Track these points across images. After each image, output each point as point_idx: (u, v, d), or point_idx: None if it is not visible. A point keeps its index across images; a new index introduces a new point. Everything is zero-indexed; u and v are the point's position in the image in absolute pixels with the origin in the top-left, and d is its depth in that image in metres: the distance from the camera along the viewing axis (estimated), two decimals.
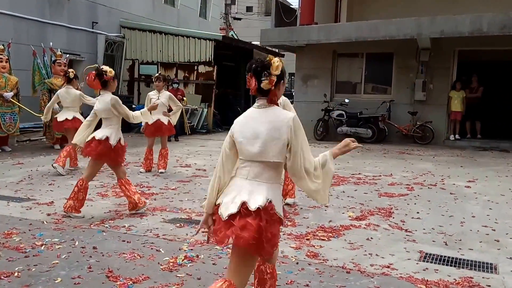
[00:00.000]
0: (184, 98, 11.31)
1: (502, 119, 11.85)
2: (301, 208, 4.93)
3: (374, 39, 10.51)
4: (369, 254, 3.57)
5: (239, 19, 28.54)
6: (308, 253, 3.54)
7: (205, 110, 13.29)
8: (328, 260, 3.41)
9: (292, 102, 7.96)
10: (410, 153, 9.51)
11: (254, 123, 2.20)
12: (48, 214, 4.50)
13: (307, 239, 3.88)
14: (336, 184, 6.28)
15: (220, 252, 3.52)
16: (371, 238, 3.96)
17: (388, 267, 3.31)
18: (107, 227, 4.12)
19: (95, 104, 4.67)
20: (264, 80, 2.15)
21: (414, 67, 11.15)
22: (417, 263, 3.40)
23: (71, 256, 3.39)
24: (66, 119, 6.85)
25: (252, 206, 2.08)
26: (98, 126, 4.68)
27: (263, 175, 2.17)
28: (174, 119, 6.99)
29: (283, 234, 4.00)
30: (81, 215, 4.40)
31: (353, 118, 11.22)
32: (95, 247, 3.57)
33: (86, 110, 7.88)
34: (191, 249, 3.57)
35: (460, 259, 3.49)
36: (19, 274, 3.04)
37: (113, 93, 4.78)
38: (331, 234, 4.02)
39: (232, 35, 22.24)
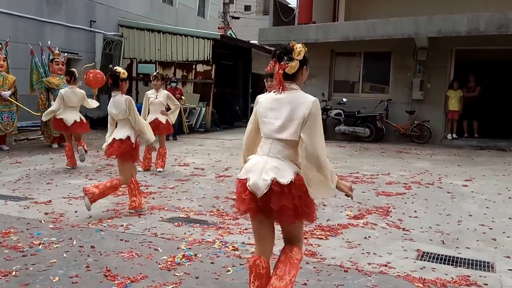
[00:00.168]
0: (182, 97, 11.29)
1: (499, 118, 11.88)
2: None
3: (372, 38, 10.52)
4: (366, 252, 3.58)
5: (237, 18, 28.52)
6: (306, 252, 3.54)
7: (203, 109, 13.29)
8: (326, 259, 3.42)
9: None
10: (408, 152, 9.53)
11: (277, 103, 2.34)
12: (46, 213, 4.49)
13: (305, 238, 3.89)
14: None
15: (218, 251, 3.53)
16: (369, 236, 3.97)
17: (386, 265, 3.32)
18: (105, 226, 4.12)
19: (108, 107, 4.63)
20: (288, 64, 2.26)
21: (412, 66, 11.17)
22: (414, 262, 3.42)
23: (69, 255, 3.39)
24: (75, 121, 6.88)
25: (284, 181, 2.24)
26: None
27: (283, 153, 2.32)
28: (172, 118, 6.98)
29: (281, 233, 4.00)
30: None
31: (351, 117, 11.24)
32: (93, 246, 3.57)
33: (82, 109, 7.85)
34: (189, 248, 3.57)
35: (457, 258, 3.51)
36: (17, 273, 3.03)
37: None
38: (329, 233, 4.03)
39: (230, 34, 22.24)
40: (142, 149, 7.00)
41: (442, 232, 4.16)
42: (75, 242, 3.66)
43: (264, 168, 2.29)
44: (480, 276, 3.15)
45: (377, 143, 10.87)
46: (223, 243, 3.68)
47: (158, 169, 6.84)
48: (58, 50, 9.46)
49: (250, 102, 16.47)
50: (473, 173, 7.12)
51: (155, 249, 3.54)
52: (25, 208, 4.67)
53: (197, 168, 7.22)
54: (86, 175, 6.47)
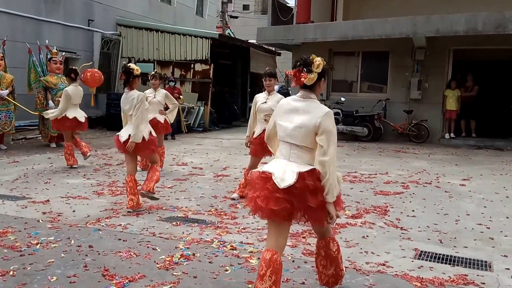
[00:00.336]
0: (181, 96, 11.28)
1: (497, 118, 11.92)
2: None
3: (370, 38, 10.53)
4: (364, 252, 3.59)
5: (236, 17, 28.50)
6: (304, 251, 3.55)
7: (202, 108, 13.28)
8: None
9: None
10: (406, 152, 9.55)
11: (293, 110, 2.52)
12: (44, 213, 4.48)
13: (303, 237, 3.90)
14: None
15: (216, 250, 3.53)
16: (367, 236, 3.98)
17: (384, 264, 3.33)
18: (103, 225, 4.11)
19: (121, 104, 4.74)
20: (307, 76, 2.44)
21: (410, 66, 11.19)
22: (412, 261, 3.43)
23: (67, 254, 3.38)
24: (86, 118, 7.04)
25: (304, 170, 2.38)
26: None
27: (302, 158, 2.47)
28: (171, 117, 6.97)
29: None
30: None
31: (349, 117, 11.25)
32: (91, 245, 3.56)
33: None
34: (188, 248, 3.57)
35: (454, 257, 3.52)
36: (15, 273, 3.03)
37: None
38: None
39: (228, 33, 22.22)
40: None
41: (440, 231, 4.17)
42: (73, 241, 3.66)
43: (285, 169, 2.42)
44: (477, 275, 3.17)
45: (375, 142, 10.89)
46: (221, 243, 3.68)
47: None
48: (56, 49, 9.43)
49: (249, 101, 16.47)
50: (471, 173, 7.14)
51: (153, 249, 3.54)
52: (23, 208, 4.66)
53: (195, 168, 7.21)
54: (84, 175, 6.46)
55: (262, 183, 2.41)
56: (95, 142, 10.28)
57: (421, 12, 10.56)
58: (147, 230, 4.01)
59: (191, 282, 2.96)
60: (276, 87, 5.40)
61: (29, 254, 3.36)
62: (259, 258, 3.37)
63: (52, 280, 2.93)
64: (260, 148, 5.07)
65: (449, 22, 9.66)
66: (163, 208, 4.77)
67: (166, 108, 7.02)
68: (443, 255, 3.55)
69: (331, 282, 2.84)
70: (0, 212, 4.47)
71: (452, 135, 11.07)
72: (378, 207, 4.92)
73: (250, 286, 2.92)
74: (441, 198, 5.48)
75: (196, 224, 4.22)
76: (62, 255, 3.37)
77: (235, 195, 5.24)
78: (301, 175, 2.36)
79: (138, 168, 6.82)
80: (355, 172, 7.04)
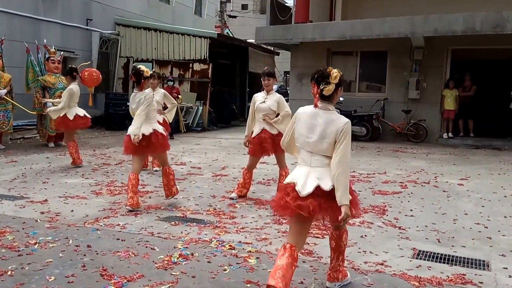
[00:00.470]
0: (179, 96, 11.27)
1: (495, 117, 11.94)
2: None
3: (368, 38, 10.54)
4: (363, 251, 3.60)
5: (234, 17, 28.51)
6: (303, 251, 3.55)
7: (200, 108, 13.27)
8: (322, 258, 3.43)
9: (287, 101, 7.97)
10: (404, 151, 9.56)
11: (313, 120, 2.68)
12: (42, 213, 4.48)
13: None
14: None
15: (215, 250, 3.53)
16: (365, 235, 3.99)
17: (382, 264, 3.33)
18: (101, 225, 4.11)
19: (130, 103, 4.85)
20: (324, 87, 2.63)
21: (408, 65, 11.20)
22: (410, 260, 3.43)
23: (65, 254, 3.38)
24: (85, 115, 7.02)
25: (326, 188, 2.59)
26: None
27: (323, 163, 2.66)
28: (169, 117, 6.96)
29: (278, 232, 4.02)
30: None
31: (347, 116, 11.15)
32: (89, 245, 3.56)
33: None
34: (186, 247, 3.57)
35: (452, 256, 3.53)
36: (12, 272, 3.02)
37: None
38: (325, 232, 4.03)
39: (227, 33, 22.20)
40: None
41: (438, 230, 4.18)
42: (71, 241, 3.65)
43: (308, 176, 2.64)
44: (475, 275, 3.17)
45: (373, 142, 10.91)
46: (220, 242, 3.68)
47: (154, 168, 6.82)
48: (54, 49, 9.41)
49: (247, 101, 16.46)
50: (469, 172, 7.15)
51: (151, 248, 3.54)
52: (20, 208, 4.65)
53: (194, 167, 7.21)
54: (82, 175, 6.45)
55: (289, 190, 2.65)
56: (94, 142, 10.27)
57: (419, 12, 10.57)
58: (145, 230, 4.00)
59: (190, 282, 2.96)
60: (275, 87, 5.41)
61: (27, 254, 3.36)
62: (257, 258, 3.38)
63: (50, 280, 2.93)
64: (259, 148, 5.07)
65: (447, 22, 9.68)
66: (162, 208, 4.77)
67: (165, 107, 7.01)
68: (441, 254, 3.56)
69: (333, 277, 2.92)
70: None
71: (450, 134, 11.09)
72: (377, 207, 4.93)
73: (248, 285, 2.93)
74: (439, 197, 5.49)
75: (194, 223, 4.22)
76: (60, 255, 3.36)
77: (233, 195, 5.24)
78: (317, 187, 2.59)
79: None
80: (354, 171, 7.04)
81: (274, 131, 5.03)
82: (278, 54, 19.39)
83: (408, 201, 5.27)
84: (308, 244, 3.72)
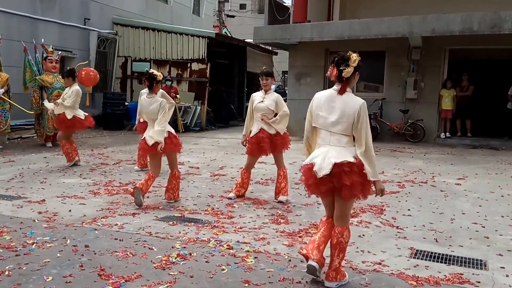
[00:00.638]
0: (177, 96, 11.26)
1: (492, 117, 11.97)
2: (294, 206, 4.96)
3: (366, 38, 10.54)
4: (361, 251, 3.61)
5: (233, 16, 28.48)
6: (301, 250, 3.56)
7: (199, 107, 13.25)
8: None
9: (285, 100, 7.97)
10: (402, 151, 9.58)
11: (331, 102, 2.87)
12: (40, 212, 4.47)
13: (300, 237, 3.91)
14: None
15: (213, 249, 3.54)
16: (363, 235, 3.99)
17: (380, 263, 3.34)
18: (99, 225, 4.10)
19: (143, 107, 4.98)
20: (344, 69, 2.80)
21: (406, 65, 11.22)
22: (408, 260, 3.44)
23: (63, 254, 3.37)
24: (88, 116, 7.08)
25: (339, 161, 2.77)
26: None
27: (342, 141, 2.85)
28: (167, 117, 6.95)
29: (276, 232, 4.02)
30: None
31: None
32: (87, 245, 3.55)
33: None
34: (184, 247, 3.57)
35: (450, 256, 3.54)
36: (10, 272, 3.02)
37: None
38: None
39: (225, 32, 22.18)
40: (136, 149, 6.99)
41: (435, 230, 4.19)
42: (69, 241, 3.65)
43: (326, 155, 2.83)
44: (473, 274, 3.19)
45: None
46: (218, 242, 3.68)
47: None
48: (52, 48, 9.39)
49: (245, 101, 16.45)
50: (466, 172, 7.17)
51: (149, 248, 3.53)
52: (18, 207, 4.64)
53: (192, 167, 7.21)
54: (80, 174, 6.44)
55: (309, 172, 2.90)
56: (92, 142, 10.25)
57: (417, 12, 10.59)
58: (143, 230, 4.00)
59: (188, 282, 2.96)
60: (273, 87, 5.41)
61: (24, 254, 3.35)
62: (256, 258, 3.38)
63: (47, 280, 2.92)
64: (257, 147, 5.07)
65: (444, 22, 9.70)
66: (160, 208, 4.76)
67: None
68: (439, 254, 3.57)
69: (331, 276, 2.93)
70: None
71: (447, 134, 11.11)
72: (374, 206, 4.94)
73: (246, 285, 2.93)
74: (437, 197, 5.50)
75: (192, 223, 4.22)
76: (58, 255, 3.36)
77: (231, 195, 5.24)
78: (335, 164, 2.78)
79: (136, 167, 6.83)
80: None
81: (272, 131, 5.03)
82: (276, 53, 19.39)
83: (406, 201, 5.28)
84: (306, 244, 3.72)
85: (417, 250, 3.64)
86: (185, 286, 2.90)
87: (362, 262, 3.37)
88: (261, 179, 6.33)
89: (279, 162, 5.18)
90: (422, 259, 3.47)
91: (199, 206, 4.87)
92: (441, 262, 3.42)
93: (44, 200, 4.95)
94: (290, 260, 3.37)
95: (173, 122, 9.70)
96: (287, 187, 5.18)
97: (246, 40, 16.74)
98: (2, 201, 4.84)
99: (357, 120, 2.79)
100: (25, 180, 5.94)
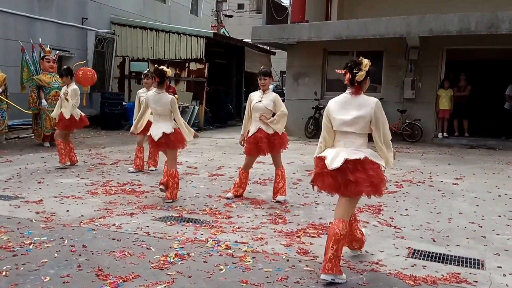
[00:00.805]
0: (176, 95, 11.22)
1: (490, 117, 12.01)
2: (292, 206, 4.96)
3: (364, 37, 10.56)
4: (358, 250, 3.61)
5: (231, 16, 28.47)
6: (299, 250, 3.57)
7: (197, 107, 13.24)
8: (318, 257, 3.44)
9: (283, 100, 7.97)
10: (399, 151, 9.59)
11: (346, 105, 3.06)
12: (37, 213, 4.46)
13: (298, 236, 3.91)
14: None
15: (211, 249, 3.54)
16: None
17: (377, 263, 3.35)
18: (97, 225, 4.10)
19: (150, 102, 5.09)
20: (357, 73, 3.00)
21: (403, 65, 11.24)
22: (405, 259, 3.45)
23: (60, 254, 3.36)
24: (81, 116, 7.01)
25: (353, 158, 2.96)
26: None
27: (356, 143, 3.06)
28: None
29: (274, 232, 4.03)
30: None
31: None
32: (84, 245, 3.55)
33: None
34: (182, 247, 3.57)
35: (447, 255, 3.55)
36: (7, 273, 3.01)
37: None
38: (321, 231, 4.05)
39: (223, 32, 22.19)
40: (133, 149, 6.98)
41: (433, 230, 4.20)
42: (66, 241, 3.64)
43: (339, 153, 3.03)
44: (470, 273, 3.20)
45: (369, 141, 10.91)
46: (216, 242, 3.68)
47: (150, 168, 6.81)
48: (49, 48, 9.36)
49: (243, 100, 16.46)
50: (463, 172, 7.20)
51: (147, 248, 3.53)
52: (15, 207, 4.63)
53: (190, 167, 7.20)
54: (78, 174, 6.43)
55: (321, 162, 3.09)
56: (89, 142, 10.23)
57: (415, 12, 10.61)
58: (141, 230, 4.00)
59: (186, 282, 2.96)
60: (271, 87, 5.41)
61: (22, 254, 3.34)
62: (253, 257, 3.38)
63: (45, 280, 2.92)
64: (254, 147, 5.07)
65: (442, 22, 9.72)
66: (158, 208, 4.76)
67: None
68: (436, 253, 3.58)
69: (326, 268, 2.94)
70: None
71: (445, 134, 11.14)
72: (372, 206, 4.94)
73: (244, 285, 2.93)
74: (434, 197, 5.52)
75: (190, 223, 4.21)
76: (56, 255, 3.35)
77: (229, 195, 5.24)
78: (346, 161, 2.97)
79: (130, 168, 6.78)
80: None
81: (270, 130, 5.03)
82: (274, 53, 19.40)
83: (404, 201, 5.29)
84: (304, 243, 3.73)
85: (414, 250, 3.65)
86: (183, 286, 2.90)
87: (360, 261, 3.38)
88: (259, 179, 6.33)
89: (277, 162, 5.19)
90: (419, 258, 3.48)
91: (197, 206, 4.87)
92: (439, 261, 3.43)
93: (41, 200, 4.94)
94: (288, 260, 3.37)
95: None
96: (285, 187, 5.18)
97: (244, 40, 16.73)
98: (0, 201, 4.82)
99: (374, 118, 3.00)
100: (22, 180, 5.92)
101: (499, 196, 5.63)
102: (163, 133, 4.99)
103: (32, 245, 3.54)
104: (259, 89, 5.19)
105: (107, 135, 11.48)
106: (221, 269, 3.16)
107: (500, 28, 9.27)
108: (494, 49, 11.13)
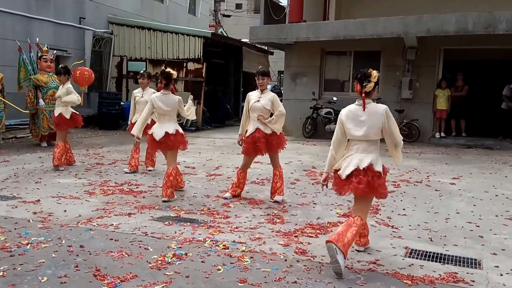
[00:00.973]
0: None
1: (487, 117, 12.05)
2: (290, 206, 4.97)
3: (361, 37, 10.58)
4: (356, 250, 3.61)
5: (229, 16, 28.46)
6: (297, 250, 3.57)
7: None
8: (316, 257, 3.44)
9: (281, 100, 7.97)
10: None
11: (358, 115, 3.36)
12: (34, 213, 4.45)
13: (296, 236, 3.91)
14: None
15: (209, 249, 3.54)
16: None
17: (375, 263, 3.36)
18: (94, 225, 4.09)
19: (155, 102, 5.15)
20: (366, 84, 3.30)
21: (401, 65, 11.26)
22: (403, 259, 3.46)
23: (58, 255, 3.36)
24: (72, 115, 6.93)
25: (361, 167, 3.30)
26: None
27: (368, 149, 3.37)
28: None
29: (272, 232, 4.03)
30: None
31: None
32: (82, 245, 3.54)
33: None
34: (180, 247, 3.56)
35: (445, 255, 3.56)
36: (4, 273, 3.00)
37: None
38: (319, 231, 4.06)
39: (221, 32, 22.17)
40: (131, 148, 6.97)
41: (430, 229, 4.22)
42: (64, 241, 3.63)
43: (351, 161, 3.34)
44: (467, 273, 3.21)
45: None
46: (214, 242, 3.68)
47: (148, 168, 6.80)
48: (47, 47, 9.33)
49: (241, 100, 16.45)
50: (461, 171, 7.22)
51: (145, 248, 3.53)
52: (13, 208, 4.61)
53: (188, 167, 7.20)
54: (76, 174, 6.41)
55: (336, 174, 3.45)
56: (87, 141, 10.21)
57: (412, 12, 10.63)
58: (139, 230, 3.99)
59: (183, 282, 2.96)
60: (269, 87, 5.40)
61: (19, 255, 3.34)
62: (251, 257, 3.39)
63: (42, 280, 2.91)
64: (252, 147, 5.07)
65: (439, 22, 9.74)
66: (155, 208, 4.75)
67: None
68: (434, 253, 3.59)
69: (335, 239, 3.15)
70: None
71: (442, 134, 11.17)
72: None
73: (242, 285, 2.93)
74: (432, 196, 5.53)
75: (188, 223, 4.21)
76: (53, 255, 3.34)
77: (227, 195, 5.24)
78: (356, 169, 3.28)
79: (125, 169, 6.73)
80: None
81: (268, 130, 5.03)
82: (272, 53, 19.40)
83: (401, 200, 5.30)
84: (302, 243, 3.74)
85: (412, 250, 3.66)
86: (181, 286, 2.90)
87: (358, 261, 3.38)
88: (257, 179, 6.33)
89: (275, 162, 5.19)
90: (417, 258, 3.49)
91: (195, 206, 4.87)
92: (436, 261, 3.44)
93: (39, 200, 4.92)
94: (286, 260, 3.37)
95: None
96: (283, 187, 5.19)
97: (242, 40, 16.73)
98: None
99: (387, 126, 3.31)
100: (19, 180, 5.90)
101: (496, 195, 5.65)
102: (166, 132, 5.08)
103: (29, 245, 3.53)
104: (257, 89, 5.19)
105: (105, 135, 11.45)
106: (219, 269, 3.16)
107: (497, 28, 9.30)
108: (491, 49, 11.16)
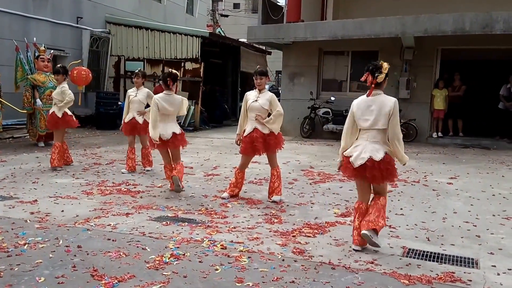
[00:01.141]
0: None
1: (484, 117, 12.09)
2: (287, 205, 4.97)
3: (359, 37, 10.59)
4: (354, 250, 3.62)
5: (226, 16, 28.47)
6: (294, 250, 3.57)
7: (192, 107, 13.22)
8: (313, 257, 3.45)
9: (279, 100, 7.98)
10: None
11: (368, 104, 3.53)
12: (32, 213, 4.43)
13: (293, 236, 3.92)
14: (321, 181, 6.34)
15: (207, 249, 3.53)
16: None
17: (372, 262, 3.36)
18: (92, 225, 4.08)
19: (159, 103, 5.25)
20: (378, 75, 3.46)
21: (398, 65, 11.27)
22: (400, 259, 3.47)
23: (55, 255, 3.35)
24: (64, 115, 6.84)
25: (377, 158, 3.47)
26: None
27: (377, 137, 3.54)
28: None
29: (269, 231, 4.03)
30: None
31: (339, 116, 11.29)
32: (79, 246, 3.53)
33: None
34: (178, 247, 3.56)
35: (442, 255, 3.57)
36: (2, 273, 2.99)
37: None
38: (316, 231, 4.07)
39: (219, 32, 22.15)
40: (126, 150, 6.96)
41: (427, 229, 4.23)
42: (61, 242, 3.63)
43: (363, 149, 3.51)
44: (464, 273, 3.22)
45: None
46: (212, 242, 3.68)
47: (146, 168, 6.78)
48: (44, 47, 9.31)
49: (239, 100, 16.44)
50: (458, 171, 7.24)
51: (143, 248, 3.52)
52: (10, 208, 4.60)
53: (185, 167, 7.16)
54: (73, 174, 6.40)
55: (347, 160, 3.60)
56: (84, 141, 10.19)
57: (410, 12, 10.65)
58: (136, 230, 3.99)
59: (181, 282, 2.95)
60: (267, 86, 5.40)
61: (16, 255, 3.33)
62: (249, 257, 3.39)
63: (40, 280, 2.90)
64: (250, 147, 5.06)
65: (437, 22, 9.77)
66: (153, 208, 4.75)
67: (148, 107, 6.87)
68: (431, 252, 3.60)
69: (366, 226, 3.49)
70: None
71: (439, 134, 11.20)
72: None
73: (240, 285, 2.93)
74: (429, 196, 5.55)
75: (186, 223, 4.21)
76: (50, 255, 3.34)
77: (225, 194, 5.23)
78: (369, 159, 3.46)
79: (123, 170, 6.70)
80: None
81: (265, 130, 5.03)
82: (270, 53, 19.40)
83: (398, 200, 5.32)
84: (300, 243, 3.74)
85: (409, 249, 3.66)
86: (179, 286, 2.89)
87: (355, 261, 3.39)
88: (255, 178, 6.33)
89: (272, 162, 5.19)
90: (414, 258, 3.49)
91: (192, 206, 4.86)
92: (433, 261, 3.45)
93: (36, 200, 4.91)
94: (283, 260, 3.37)
95: None
96: (281, 186, 5.19)
97: (239, 40, 16.72)
98: None
99: (393, 115, 3.45)
100: (17, 180, 5.89)
101: (493, 195, 5.67)
102: (173, 133, 5.28)
103: (26, 245, 3.52)
104: (255, 89, 5.18)
105: (102, 135, 11.43)
106: (216, 269, 3.16)
107: (495, 28, 9.33)
108: (489, 49, 11.19)
